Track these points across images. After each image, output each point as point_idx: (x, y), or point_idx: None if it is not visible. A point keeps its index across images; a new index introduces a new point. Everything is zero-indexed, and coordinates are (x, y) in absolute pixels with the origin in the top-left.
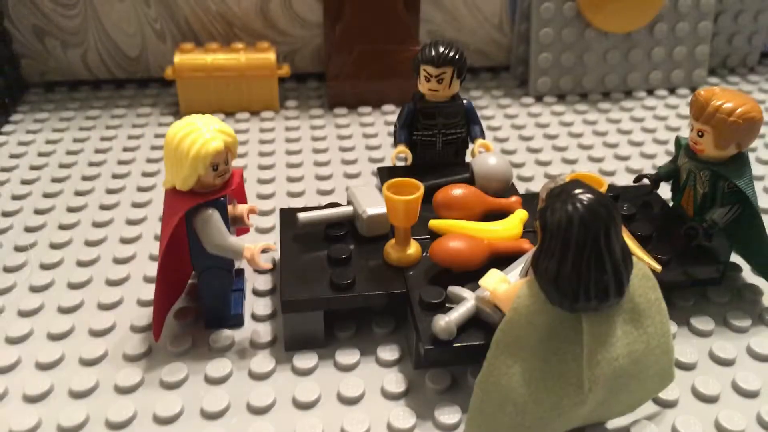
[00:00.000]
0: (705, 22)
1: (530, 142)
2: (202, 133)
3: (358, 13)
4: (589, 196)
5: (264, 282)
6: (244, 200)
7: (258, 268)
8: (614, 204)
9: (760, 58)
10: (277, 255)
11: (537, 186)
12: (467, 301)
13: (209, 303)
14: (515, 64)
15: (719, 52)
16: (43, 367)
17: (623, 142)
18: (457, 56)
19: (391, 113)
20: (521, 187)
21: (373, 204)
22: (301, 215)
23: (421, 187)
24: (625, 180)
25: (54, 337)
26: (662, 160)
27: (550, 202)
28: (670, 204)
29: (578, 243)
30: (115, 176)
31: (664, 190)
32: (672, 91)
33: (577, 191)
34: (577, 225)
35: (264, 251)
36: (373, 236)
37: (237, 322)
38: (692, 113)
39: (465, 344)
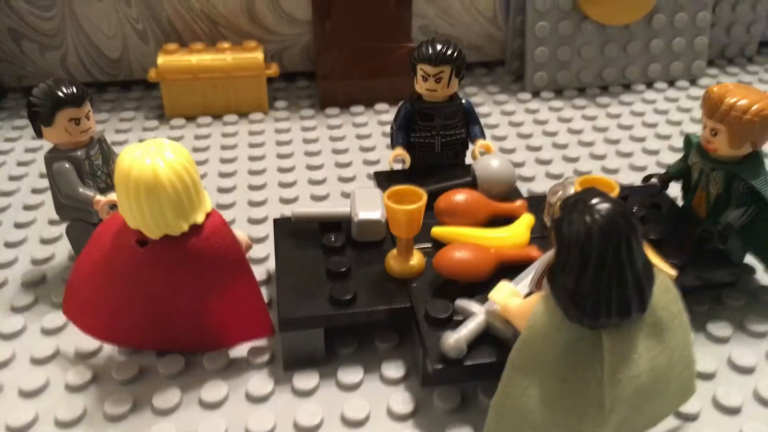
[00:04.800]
0: (703, 12)
1: (529, 140)
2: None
3: (348, 9)
4: (607, 206)
5: None
6: None
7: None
8: (634, 214)
9: (759, 48)
10: (272, 267)
11: (539, 187)
12: (476, 316)
13: None
14: (511, 58)
15: (718, 43)
16: (38, 362)
17: (625, 138)
18: (455, 54)
19: (385, 112)
20: (522, 188)
21: (368, 208)
22: (295, 210)
23: (424, 196)
24: (629, 178)
25: (48, 332)
26: (666, 155)
27: (566, 212)
28: (680, 203)
29: (598, 257)
30: None
31: (673, 189)
32: (671, 83)
33: (594, 200)
34: (597, 237)
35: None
36: (366, 242)
37: None
38: (705, 111)
39: (476, 362)
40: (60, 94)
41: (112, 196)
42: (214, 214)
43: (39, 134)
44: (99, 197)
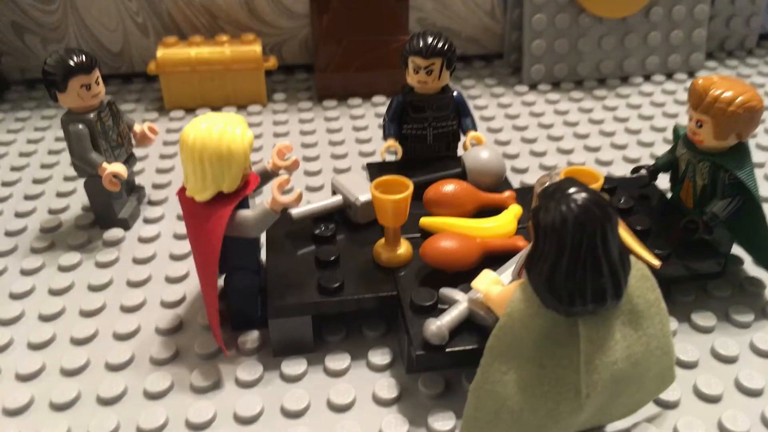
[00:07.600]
0: (702, 5)
1: (524, 132)
2: (232, 127)
3: (346, 2)
4: (583, 195)
5: None
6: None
7: (290, 205)
8: (610, 204)
9: (759, 41)
10: (263, 258)
11: (532, 178)
12: (460, 304)
13: (237, 305)
14: (508, 51)
15: (717, 35)
16: (35, 347)
17: (620, 131)
18: (446, 47)
19: (382, 105)
20: (515, 179)
21: (363, 190)
22: (293, 211)
23: (410, 186)
24: (622, 170)
25: (46, 319)
26: (660, 148)
27: (544, 201)
28: (668, 195)
29: (573, 245)
30: None
31: (662, 180)
32: (669, 76)
33: (572, 190)
34: (572, 226)
35: (281, 188)
36: (358, 229)
37: (264, 323)
38: (690, 103)
39: (458, 349)
40: (71, 63)
41: (117, 167)
42: (230, 202)
43: (55, 99)
44: (105, 165)
